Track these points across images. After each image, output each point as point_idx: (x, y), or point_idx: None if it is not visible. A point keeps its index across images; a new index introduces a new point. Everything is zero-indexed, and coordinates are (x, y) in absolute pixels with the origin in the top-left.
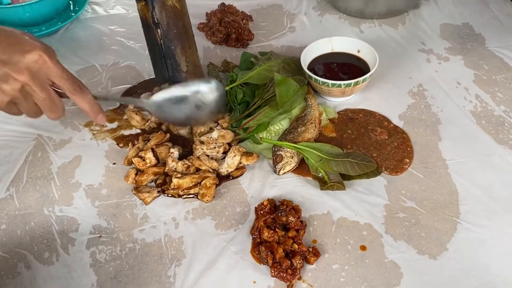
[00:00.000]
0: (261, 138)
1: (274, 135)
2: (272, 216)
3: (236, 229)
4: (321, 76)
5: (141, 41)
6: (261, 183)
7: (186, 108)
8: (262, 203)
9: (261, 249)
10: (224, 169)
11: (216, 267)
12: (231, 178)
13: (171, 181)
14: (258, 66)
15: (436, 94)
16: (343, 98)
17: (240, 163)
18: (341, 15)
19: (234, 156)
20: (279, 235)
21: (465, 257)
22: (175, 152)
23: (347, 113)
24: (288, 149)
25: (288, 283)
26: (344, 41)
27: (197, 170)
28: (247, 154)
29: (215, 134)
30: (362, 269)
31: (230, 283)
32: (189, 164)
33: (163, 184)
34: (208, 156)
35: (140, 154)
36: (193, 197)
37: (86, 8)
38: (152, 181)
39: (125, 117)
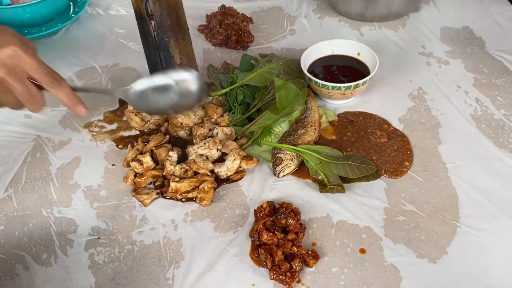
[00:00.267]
0: (260, 140)
1: (274, 138)
2: (271, 219)
3: (235, 231)
4: (321, 79)
5: (141, 43)
6: (261, 186)
7: (167, 96)
8: (262, 206)
9: (260, 251)
10: (224, 172)
11: (215, 270)
12: (230, 181)
13: (169, 184)
14: (259, 68)
15: (436, 97)
16: (343, 100)
17: (240, 167)
18: (341, 17)
19: (234, 159)
20: (279, 238)
21: (464, 261)
22: (173, 155)
23: (347, 116)
24: (287, 152)
25: (287, 286)
26: (344, 43)
27: (195, 173)
28: (247, 158)
29: (220, 135)
30: (362, 272)
31: (229, 286)
32: (187, 168)
33: (161, 187)
34: (202, 155)
35: (138, 157)
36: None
37: (86, 9)
38: (151, 183)
39: (124, 118)
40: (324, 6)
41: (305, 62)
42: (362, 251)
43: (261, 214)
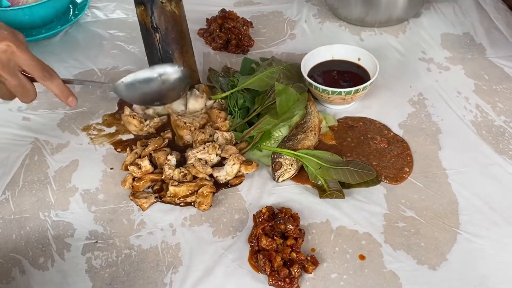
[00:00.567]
0: (260, 145)
1: (274, 142)
2: (270, 224)
3: (234, 236)
4: (321, 84)
5: (140, 46)
6: (260, 191)
7: (151, 88)
8: (261, 211)
9: (259, 257)
10: (223, 177)
11: (213, 275)
12: (229, 186)
13: (168, 188)
14: (259, 72)
15: (436, 103)
16: (343, 105)
17: (239, 171)
18: (341, 23)
19: (234, 164)
20: (277, 243)
21: (464, 268)
22: (172, 159)
23: (347, 121)
24: (287, 157)
25: None
26: (344, 49)
27: (194, 178)
28: (247, 162)
29: (220, 140)
30: (361, 279)
31: None
32: (186, 172)
33: (160, 191)
34: (201, 160)
35: (136, 161)
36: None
37: (86, 12)
38: (149, 187)
39: (122, 122)
40: (324, 11)
41: (305, 67)
42: (362, 257)
43: (260, 219)
